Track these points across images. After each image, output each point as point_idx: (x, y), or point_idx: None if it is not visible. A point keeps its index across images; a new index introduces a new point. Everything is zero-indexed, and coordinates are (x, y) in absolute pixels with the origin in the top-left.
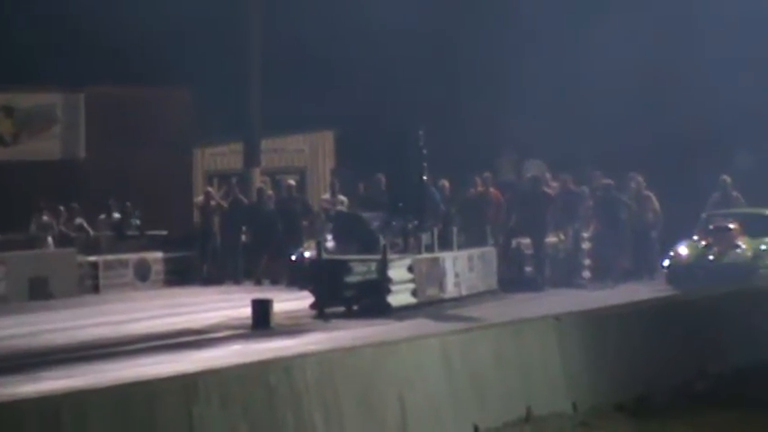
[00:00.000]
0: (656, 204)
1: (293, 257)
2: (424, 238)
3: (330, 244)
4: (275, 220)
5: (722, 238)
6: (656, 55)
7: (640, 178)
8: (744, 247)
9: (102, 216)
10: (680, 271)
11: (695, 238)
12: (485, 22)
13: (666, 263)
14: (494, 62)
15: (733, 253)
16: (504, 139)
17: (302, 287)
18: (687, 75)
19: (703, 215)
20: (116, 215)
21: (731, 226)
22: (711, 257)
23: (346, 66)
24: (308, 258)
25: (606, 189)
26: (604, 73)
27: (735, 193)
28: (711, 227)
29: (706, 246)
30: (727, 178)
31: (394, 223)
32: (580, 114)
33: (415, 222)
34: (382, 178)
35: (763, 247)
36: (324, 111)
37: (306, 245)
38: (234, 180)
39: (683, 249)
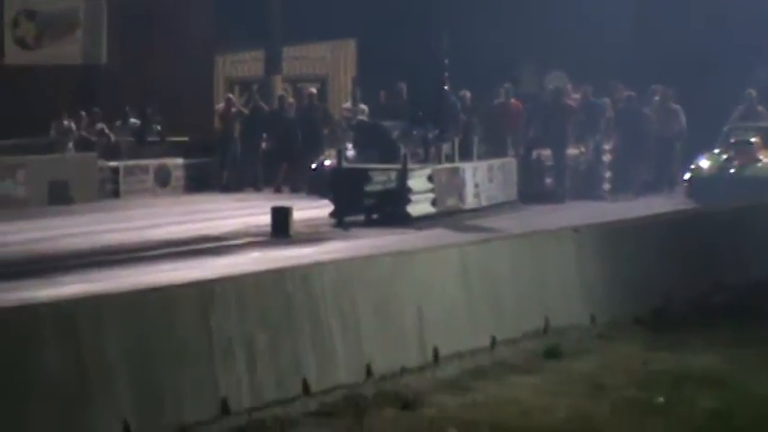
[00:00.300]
0: (683, 118)
1: (313, 166)
2: (445, 147)
3: (350, 153)
4: (296, 128)
5: (743, 152)
6: None
7: (667, 91)
8: (765, 160)
9: (119, 122)
10: (700, 184)
11: (716, 151)
12: None
13: (687, 176)
14: None
15: (754, 166)
16: (526, 49)
17: (322, 195)
18: None
19: (725, 128)
20: (133, 121)
21: (753, 139)
22: (732, 171)
23: None
24: (329, 167)
25: (628, 101)
26: None
27: (760, 107)
28: (733, 140)
29: (727, 159)
30: (753, 92)
31: (415, 132)
32: (602, 26)
33: (436, 132)
34: (404, 87)
35: None
36: (346, 19)
37: (326, 153)
38: (255, 87)
39: (703, 162)
